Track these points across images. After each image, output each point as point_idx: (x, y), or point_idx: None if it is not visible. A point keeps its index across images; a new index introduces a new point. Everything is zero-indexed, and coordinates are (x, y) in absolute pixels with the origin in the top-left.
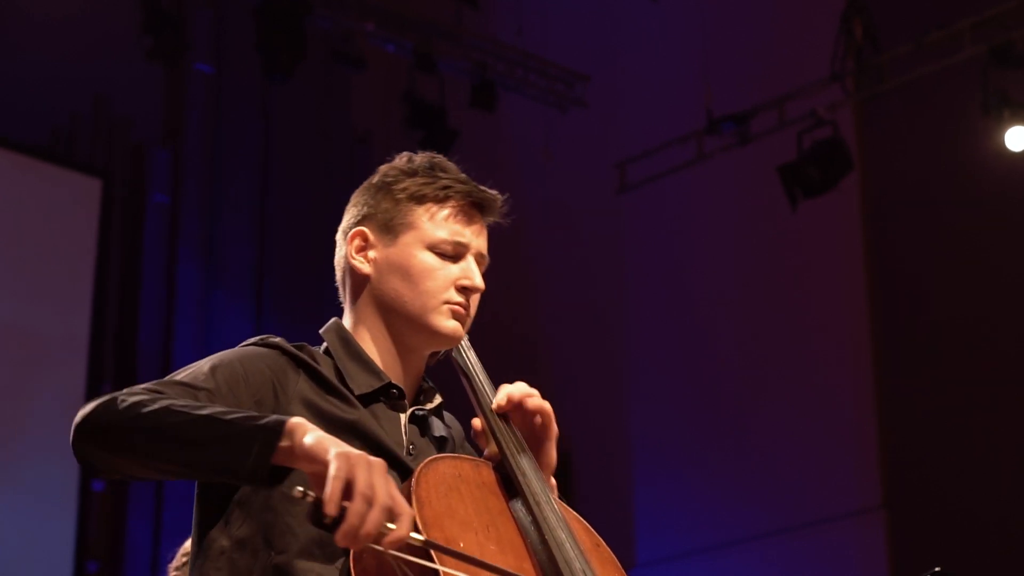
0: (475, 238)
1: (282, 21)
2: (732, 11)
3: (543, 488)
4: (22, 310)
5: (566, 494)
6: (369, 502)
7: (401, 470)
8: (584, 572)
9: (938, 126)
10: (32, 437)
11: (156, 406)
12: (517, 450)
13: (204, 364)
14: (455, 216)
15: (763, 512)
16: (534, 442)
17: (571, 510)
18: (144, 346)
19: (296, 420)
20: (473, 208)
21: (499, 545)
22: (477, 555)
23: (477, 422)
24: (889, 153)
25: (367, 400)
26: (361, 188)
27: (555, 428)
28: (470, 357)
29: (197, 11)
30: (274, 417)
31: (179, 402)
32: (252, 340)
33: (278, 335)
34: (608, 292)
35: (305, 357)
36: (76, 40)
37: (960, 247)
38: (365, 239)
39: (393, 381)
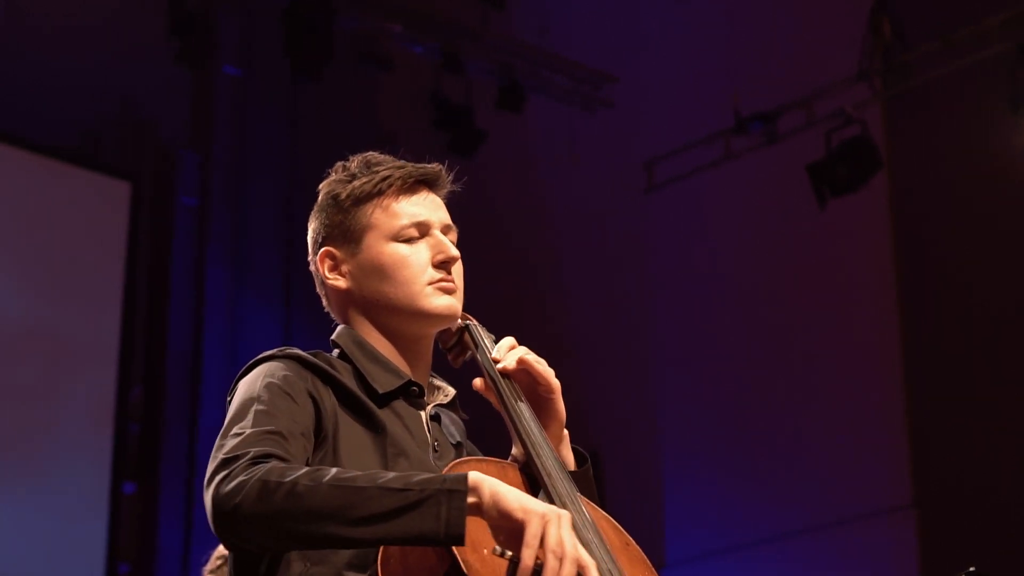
0: (433, 212)
1: (309, 23)
2: (759, 10)
3: (570, 489)
4: (52, 313)
5: (596, 495)
6: (560, 559)
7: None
8: (611, 573)
9: (966, 123)
10: (63, 439)
11: (322, 485)
12: (531, 423)
13: (262, 398)
14: (405, 199)
15: (793, 510)
16: (542, 400)
17: (599, 509)
18: (173, 348)
19: (475, 476)
20: (420, 186)
21: None
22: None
23: (479, 382)
24: (917, 151)
25: (389, 398)
26: (312, 214)
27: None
28: (479, 331)
29: (224, 14)
30: (451, 476)
31: (340, 476)
32: (271, 353)
33: (307, 336)
34: (635, 292)
35: (325, 367)
36: (104, 44)
37: (990, 244)
38: (333, 257)
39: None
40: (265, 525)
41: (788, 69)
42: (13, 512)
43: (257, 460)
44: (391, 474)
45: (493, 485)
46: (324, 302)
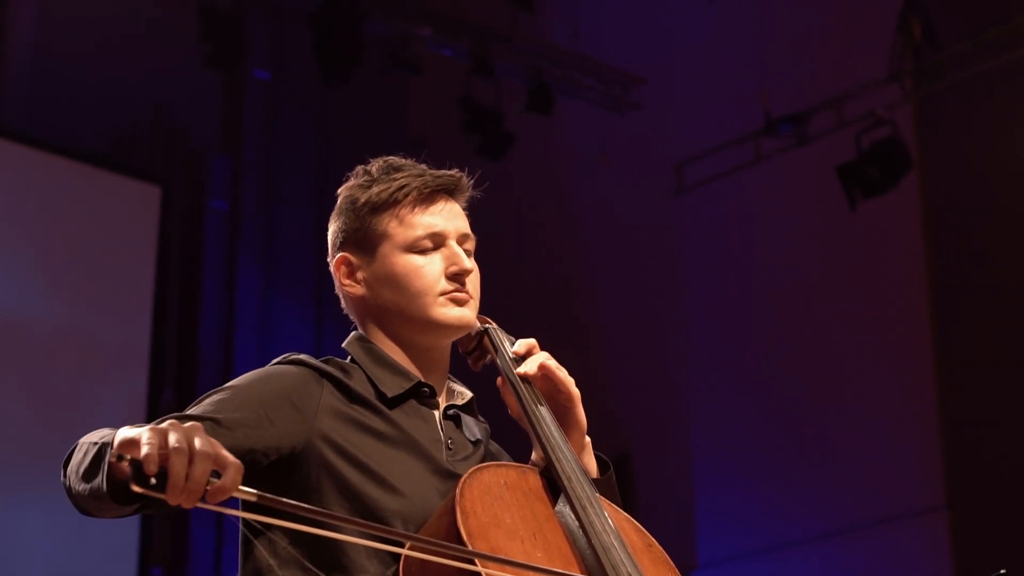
0: (451, 221)
1: (339, 27)
2: (789, 11)
3: (590, 492)
4: (83, 318)
5: (627, 497)
6: (186, 455)
7: (443, 474)
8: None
9: (997, 124)
10: None
11: (80, 443)
12: (551, 427)
13: (219, 392)
14: (421, 209)
15: (825, 512)
16: (562, 408)
17: (621, 511)
18: (205, 352)
19: (123, 427)
20: (438, 194)
21: (546, 552)
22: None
23: (502, 381)
24: (948, 152)
25: (399, 401)
26: (332, 215)
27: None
28: (498, 334)
29: (254, 18)
30: (115, 432)
31: (95, 436)
32: (277, 359)
33: (337, 339)
34: (665, 294)
35: (330, 369)
36: (135, 50)
37: (1021, 244)
38: (349, 263)
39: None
40: (64, 480)
41: (818, 70)
42: (46, 516)
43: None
44: (115, 431)
45: (130, 428)
46: (342, 303)
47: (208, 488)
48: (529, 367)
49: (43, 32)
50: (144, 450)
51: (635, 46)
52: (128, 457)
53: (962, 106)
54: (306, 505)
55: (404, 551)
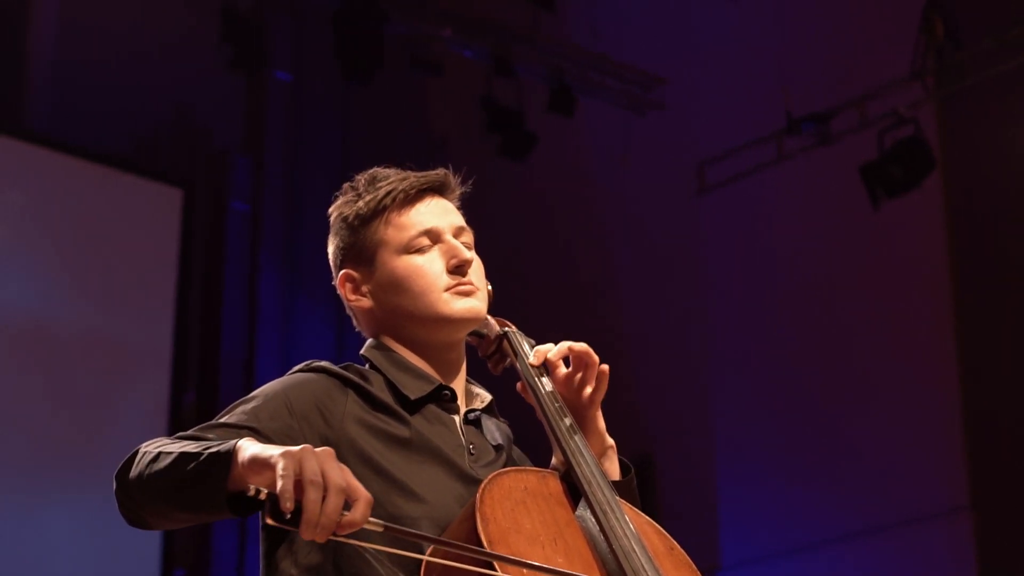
0: (443, 217)
1: (360, 28)
2: (811, 10)
3: (611, 496)
4: (105, 320)
5: (650, 498)
6: (321, 489)
7: (466, 480)
8: None
9: (1020, 122)
10: (117, 446)
11: (153, 452)
12: (571, 432)
13: (249, 400)
14: (410, 211)
15: (849, 513)
16: (581, 412)
17: (642, 514)
18: (227, 354)
19: (243, 441)
20: (425, 194)
21: (567, 557)
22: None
23: (521, 385)
24: (971, 150)
25: (420, 404)
26: (328, 238)
27: (602, 390)
28: (518, 338)
29: (276, 20)
30: (231, 442)
31: (171, 446)
32: (299, 366)
33: (359, 341)
34: (688, 294)
35: (352, 376)
36: (157, 52)
37: None
38: (352, 279)
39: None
40: (125, 491)
41: (840, 69)
42: (69, 517)
43: (178, 438)
44: (206, 443)
45: (253, 444)
46: (354, 322)
47: (339, 521)
48: (544, 361)
49: (65, 36)
50: (280, 484)
51: (656, 46)
52: (265, 491)
53: (985, 105)
54: (432, 536)
55: (426, 557)
